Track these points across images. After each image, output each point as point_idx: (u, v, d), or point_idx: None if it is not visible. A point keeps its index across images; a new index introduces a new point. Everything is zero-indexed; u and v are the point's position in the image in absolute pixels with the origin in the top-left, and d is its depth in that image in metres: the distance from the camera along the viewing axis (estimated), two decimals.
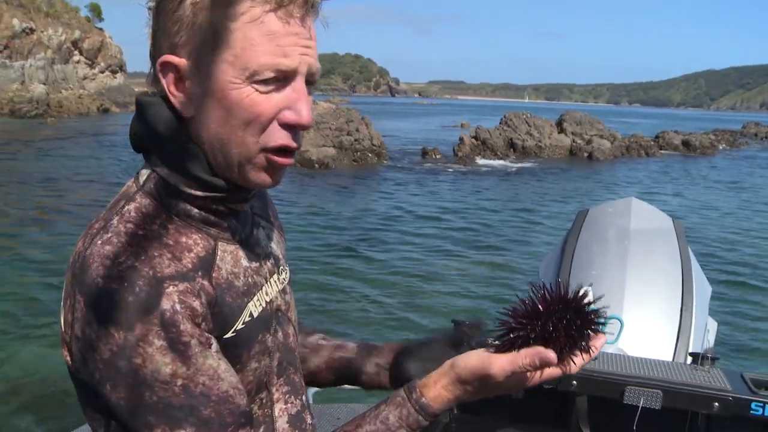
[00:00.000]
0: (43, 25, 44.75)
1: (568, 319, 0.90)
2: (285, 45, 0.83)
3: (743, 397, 1.71)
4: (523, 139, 26.88)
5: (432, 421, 0.93)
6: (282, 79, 0.84)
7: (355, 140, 21.47)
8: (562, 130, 28.60)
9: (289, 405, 1.02)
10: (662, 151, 32.59)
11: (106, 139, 25.83)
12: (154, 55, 0.87)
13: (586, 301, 0.91)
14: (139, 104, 0.89)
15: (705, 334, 2.43)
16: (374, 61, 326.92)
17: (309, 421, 1.05)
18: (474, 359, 0.92)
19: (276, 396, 1.00)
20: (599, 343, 0.92)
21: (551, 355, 0.87)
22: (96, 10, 56.89)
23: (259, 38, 0.82)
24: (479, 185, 18.34)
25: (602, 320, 0.92)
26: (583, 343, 0.91)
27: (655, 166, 26.76)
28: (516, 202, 15.75)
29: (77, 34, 48.12)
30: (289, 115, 0.85)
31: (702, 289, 2.58)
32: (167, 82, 0.85)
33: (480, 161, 24.53)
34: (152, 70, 0.88)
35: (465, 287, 8.28)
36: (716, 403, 1.70)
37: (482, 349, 0.94)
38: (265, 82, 0.83)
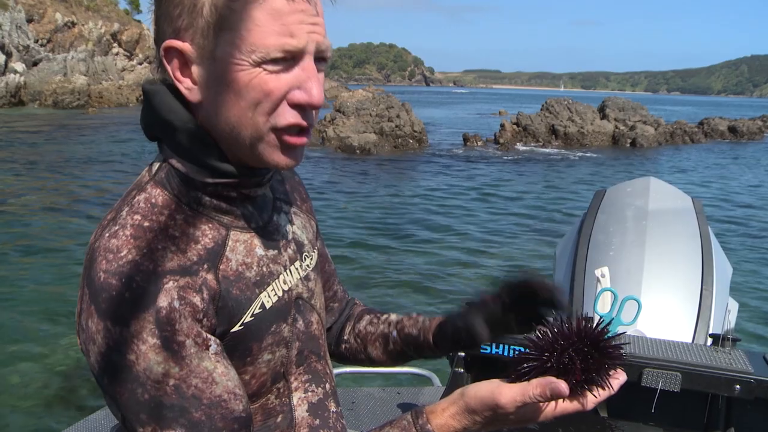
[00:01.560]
0: (83, 18, 45.41)
1: (586, 353, 0.86)
2: (291, 23, 0.80)
3: (766, 379, 1.65)
4: (565, 125, 26.35)
5: None
6: (290, 59, 0.81)
7: (396, 126, 21.27)
8: (604, 116, 27.99)
9: (309, 394, 1.00)
10: (707, 138, 31.75)
11: None
12: (158, 41, 0.85)
13: (606, 335, 0.88)
14: (145, 92, 0.88)
15: (726, 314, 2.37)
16: (409, 51, 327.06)
17: (333, 409, 1.03)
18: (484, 388, 0.89)
19: (294, 385, 0.98)
20: (618, 380, 0.89)
21: (562, 386, 0.83)
22: (134, 3, 57.50)
23: (264, 18, 0.79)
24: (522, 172, 18.03)
25: (622, 356, 0.89)
26: (600, 379, 0.87)
27: (704, 152, 26.08)
28: (560, 189, 15.43)
29: (116, 26, 48.71)
30: (298, 95, 0.82)
31: (723, 269, 2.52)
32: (172, 68, 0.83)
33: (522, 148, 24.13)
34: (157, 57, 0.86)
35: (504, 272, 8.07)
36: (737, 386, 1.65)
37: (496, 379, 0.91)
38: (273, 62, 0.80)
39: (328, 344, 1.20)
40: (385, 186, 14.50)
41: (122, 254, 0.80)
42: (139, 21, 54.71)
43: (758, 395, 1.66)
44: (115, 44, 48.81)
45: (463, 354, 1.84)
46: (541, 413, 0.88)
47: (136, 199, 0.86)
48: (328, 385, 1.04)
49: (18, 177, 13.96)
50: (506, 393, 0.86)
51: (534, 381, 0.86)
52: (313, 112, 0.86)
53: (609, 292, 1.98)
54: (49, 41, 41.19)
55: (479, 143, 24.32)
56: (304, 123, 0.84)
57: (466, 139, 24.62)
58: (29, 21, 39.75)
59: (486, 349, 1.81)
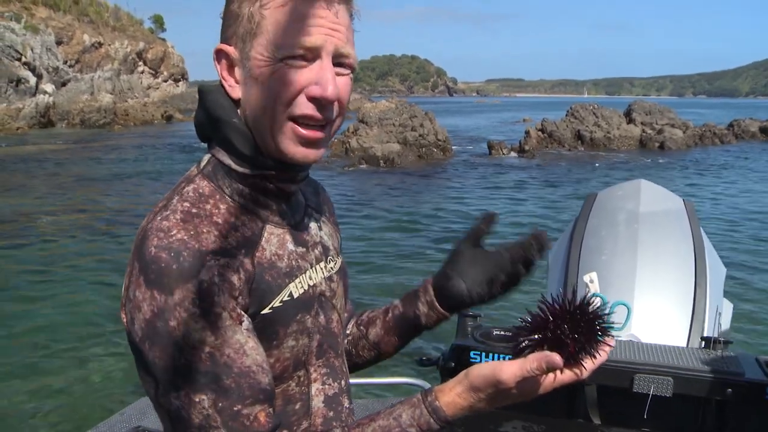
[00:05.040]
0: (110, 38, 46.32)
1: (576, 325, 0.92)
2: (309, 25, 0.91)
3: (758, 381, 1.64)
4: (591, 130, 26.07)
5: (442, 427, 0.96)
6: (310, 58, 0.92)
7: (420, 135, 21.19)
8: (630, 120, 27.69)
9: (326, 386, 1.06)
10: (738, 140, 31.18)
11: (170, 143, 26.34)
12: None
13: (593, 307, 0.94)
14: (201, 92, 1.00)
15: (720, 317, 2.34)
16: (431, 62, 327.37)
17: (346, 405, 1.10)
18: (486, 367, 0.94)
19: (314, 376, 1.05)
20: (607, 347, 0.95)
21: (556, 358, 0.90)
22: (159, 22, 58.49)
23: (287, 21, 0.91)
24: (549, 179, 17.83)
25: (609, 325, 0.95)
26: (591, 348, 0.94)
27: (736, 153, 25.55)
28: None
29: (141, 45, 49.60)
30: (314, 89, 0.92)
31: (716, 270, 2.51)
32: (220, 68, 0.97)
33: (548, 154, 23.89)
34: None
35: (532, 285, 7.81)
36: (729, 389, 1.65)
37: (496, 362, 0.96)
38: (293, 58, 0.91)
39: None
40: (409, 199, 14.37)
41: (172, 233, 0.88)
42: (163, 39, 55.64)
43: (750, 398, 1.65)
44: (141, 63, 49.69)
45: (453, 364, 1.88)
46: (541, 386, 0.94)
47: (185, 189, 0.96)
48: (343, 382, 1.11)
49: (46, 197, 14.15)
50: (506, 369, 0.92)
51: (531, 356, 0.92)
52: (333, 108, 0.95)
53: (598, 298, 1.97)
54: (77, 62, 42.08)
55: (504, 151, 24.13)
56: (319, 115, 0.93)
57: (491, 147, 24.45)
58: (59, 43, 40.66)
59: (476, 359, 1.84)
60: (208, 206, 0.94)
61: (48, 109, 35.69)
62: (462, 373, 0.97)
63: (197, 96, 1.02)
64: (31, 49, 36.72)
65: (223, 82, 0.97)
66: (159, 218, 0.91)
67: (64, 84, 39.71)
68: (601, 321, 0.95)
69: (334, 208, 1.26)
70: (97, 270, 8.24)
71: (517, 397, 0.96)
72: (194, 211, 0.92)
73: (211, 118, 0.98)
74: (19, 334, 6.12)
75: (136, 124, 39.77)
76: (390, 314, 1.24)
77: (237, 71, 0.96)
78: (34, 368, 5.33)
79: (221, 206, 0.95)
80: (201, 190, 0.96)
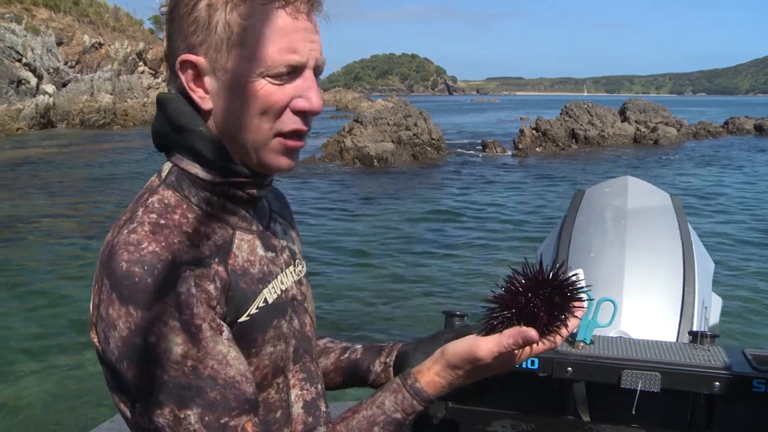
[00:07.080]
0: (110, 39, 46.37)
1: (547, 297, 0.94)
2: (295, 41, 0.89)
3: (744, 374, 1.64)
4: (585, 129, 26.27)
5: (426, 407, 0.97)
6: (293, 71, 0.90)
7: (414, 135, 21.37)
8: (625, 119, 27.88)
9: (304, 392, 1.06)
10: (732, 136, 31.40)
11: None
12: (170, 56, 0.94)
13: (563, 277, 0.96)
14: (160, 101, 0.96)
15: (708, 311, 2.35)
16: (431, 60, 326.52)
17: (323, 409, 1.09)
18: (462, 345, 0.95)
19: (292, 382, 1.04)
20: (578, 315, 0.96)
21: (532, 332, 0.91)
22: (158, 22, 58.44)
23: (271, 35, 0.88)
24: (541, 177, 17.96)
25: (579, 293, 0.96)
26: (563, 317, 0.95)
27: (730, 145, 25.72)
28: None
29: (141, 45, 49.60)
30: (300, 103, 0.92)
31: (704, 265, 2.51)
32: (186, 79, 0.92)
33: (541, 153, 24.10)
34: (169, 71, 0.95)
35: None
36: (717, 383, 1.63)
37: (471, 335, 0.97)
38: (278, 75, 0.89)
39: None
40: (401, 199, 14.38)
41: (143, 246, 0.85)
42: (163, 40, 55.65)
43: (738, 391, 1.65)
44: (141, 63, 49.71)
45: None
46: (517, 358, 0.96)
47: (149, 201, 0.92)
48: (319, 386, 1.10)
49: (47, 198, 14.19)
50: (483, 346, 0.94)
51: (506, 332, 0.93)
52: (311, 117, 0.95)
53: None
54: (77, 62, 42.14)
55: (498, 149, 24.35)
56: (305, 128, 0.94)
57: (485, 145, 24.66)
58: (59, 44, 40.72)
59: None
60: (176, 216, 0.91)
61: (48, 110, 35.83)
62: (438, 352, 0.98)
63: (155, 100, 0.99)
64: (32, 50, 36.86)
65: (192, 93, 0.92)
66: (126, 231, 0.88)
67: (64, 84, 39.78)
68: (570, 289, 0.96)
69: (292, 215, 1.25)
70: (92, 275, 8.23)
71: (495, 370, 0.97)
72: (162, 222, 0.89)
73: (174, 126, 0.94)
74: (10, 337, 6.06)
75: (135, 124, 39.80)
76: (346, 355, 1.23)
77: (207, 81, 0.92)
78: (22, 372, 5.30)
79: (189, 215, 0.92)
80: (167, 201, 0.93)
